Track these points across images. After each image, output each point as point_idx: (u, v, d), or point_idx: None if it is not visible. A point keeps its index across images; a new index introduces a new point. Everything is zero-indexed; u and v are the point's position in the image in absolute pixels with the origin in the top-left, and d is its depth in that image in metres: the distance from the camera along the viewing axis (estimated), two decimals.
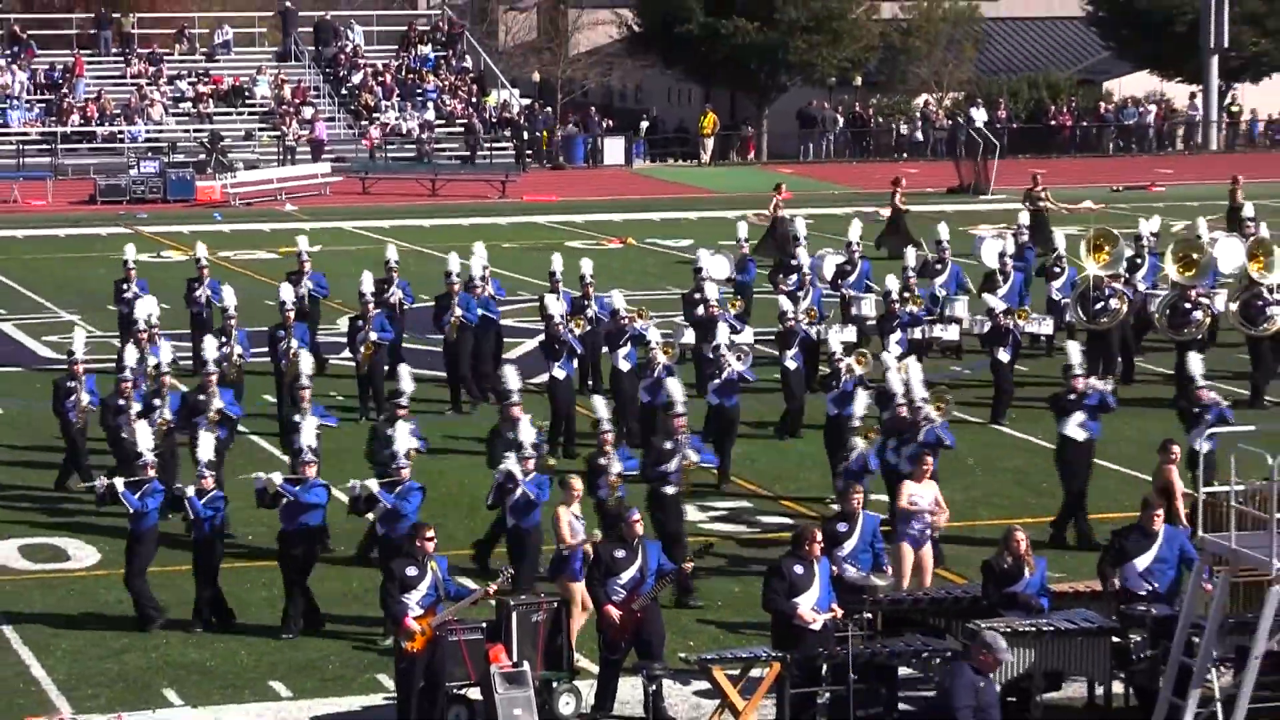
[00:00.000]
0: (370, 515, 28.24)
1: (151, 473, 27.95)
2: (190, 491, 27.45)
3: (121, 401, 33.08)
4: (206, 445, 28.50)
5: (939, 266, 45.17)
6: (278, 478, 27.35)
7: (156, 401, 32.94)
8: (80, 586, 29.17)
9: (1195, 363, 32.36)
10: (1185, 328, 40.97)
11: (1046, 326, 43.26)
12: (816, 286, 43.20)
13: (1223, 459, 25.23)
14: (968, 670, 19.75)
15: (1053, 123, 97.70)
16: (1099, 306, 41.19)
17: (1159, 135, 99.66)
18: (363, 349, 39.99)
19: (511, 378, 31.72)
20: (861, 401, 30.36)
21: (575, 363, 38.35)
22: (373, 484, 27.27)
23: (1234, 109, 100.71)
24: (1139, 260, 44.24)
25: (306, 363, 33.37)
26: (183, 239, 65.04)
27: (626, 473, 28.72)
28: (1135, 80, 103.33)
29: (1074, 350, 32.39)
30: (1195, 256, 42.23)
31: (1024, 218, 50.09)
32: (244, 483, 29.19)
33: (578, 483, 26.84)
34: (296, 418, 30.50)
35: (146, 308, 38.79)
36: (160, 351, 35.16)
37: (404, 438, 28.18)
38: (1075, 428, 31.00)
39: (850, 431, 29.70)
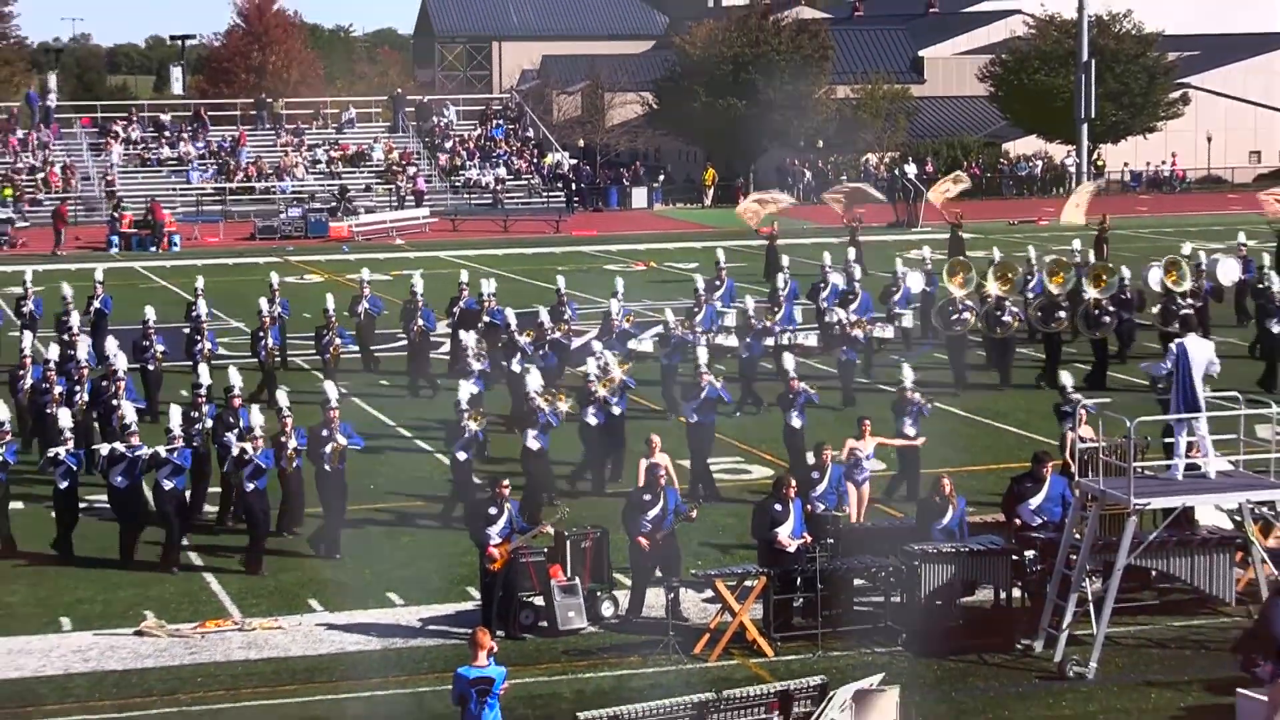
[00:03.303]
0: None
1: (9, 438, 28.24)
2: (62, 453, 27.69)
3: (45, 385, 33.02)
4: (65, 415, 29.13)
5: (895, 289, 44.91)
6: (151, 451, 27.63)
7: (76, 389, 33.10)
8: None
9: (789, 360, 32.38)
10: (998, 328, 40.76)
11: (888, 332, 42.76)
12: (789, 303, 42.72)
13: (1094, 421, 25.31)
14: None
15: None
16: (953, 319, 40.77)
17: (1044, 183, 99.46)
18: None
19: (231, 377, 31.16)
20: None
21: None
22: (160, 449, 27.36)
23: (1099, 163, 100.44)
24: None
25: (235, 376, 31.45)
26: (320, 265, 65.25)
27: (351, 446, 28.22)
28: (1026, 142, 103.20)
29: (789, 360, 32.41)
30: (1010, 275, 41.98)
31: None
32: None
33: (656, 438, 27.21)
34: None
35: (75, 319, 38.91)
36: (79, 349, 35.35)
37: (175, 417, 28.23)
38: (795, 417, 31.02)
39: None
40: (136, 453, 27.45)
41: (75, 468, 27.78)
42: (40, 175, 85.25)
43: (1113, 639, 22.62)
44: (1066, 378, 31.19)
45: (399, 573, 26.51)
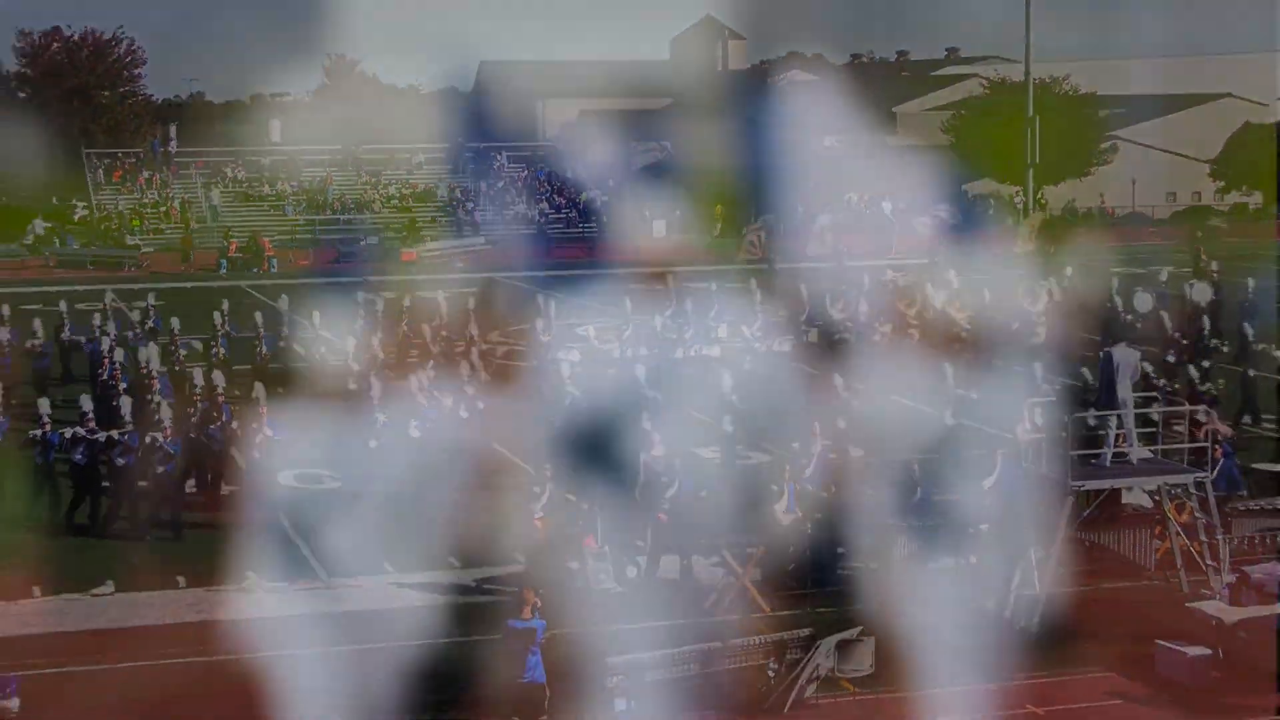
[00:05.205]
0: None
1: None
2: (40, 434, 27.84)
3: (112, 381, 33.69)
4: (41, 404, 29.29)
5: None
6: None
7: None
8: None
9: (639, 370, 32.31)
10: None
11: (786, 346, 42.33)
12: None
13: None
14: None
15: None
16: (835, 338, 40.53)
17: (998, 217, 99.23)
18: None
19: (215, 379, 30.90)
20: None
21: None
22: (115, 433, 27.40)
23: (1042, 201, 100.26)
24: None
25: (219, 378, 31.41)
26: (390, 286, 65.14)
27: (275, 438, 28.08)
28: (982, 184, 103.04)
29: (639, 369, 32.62)
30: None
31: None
32: None
33: (656, 437, 26.84)
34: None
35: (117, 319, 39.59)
36: (144, 352, 35.58)
37: (127, 406, 28.35)
38: (645, 420, 30.69)
39: None
40: (94, 435, 27.58)
41: (53, 445, 27.93)
42: (162, 209, 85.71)
43: (1054, 598, 22.55)
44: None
45: (455, 539, 26.43)
